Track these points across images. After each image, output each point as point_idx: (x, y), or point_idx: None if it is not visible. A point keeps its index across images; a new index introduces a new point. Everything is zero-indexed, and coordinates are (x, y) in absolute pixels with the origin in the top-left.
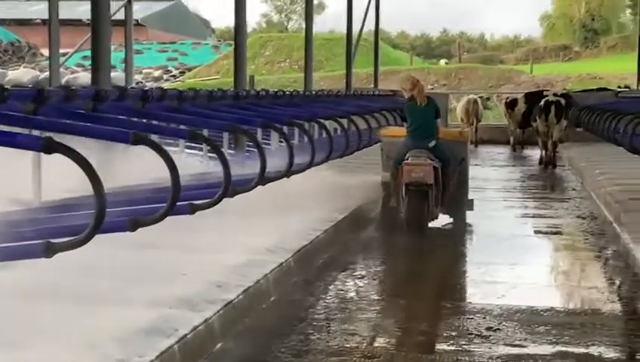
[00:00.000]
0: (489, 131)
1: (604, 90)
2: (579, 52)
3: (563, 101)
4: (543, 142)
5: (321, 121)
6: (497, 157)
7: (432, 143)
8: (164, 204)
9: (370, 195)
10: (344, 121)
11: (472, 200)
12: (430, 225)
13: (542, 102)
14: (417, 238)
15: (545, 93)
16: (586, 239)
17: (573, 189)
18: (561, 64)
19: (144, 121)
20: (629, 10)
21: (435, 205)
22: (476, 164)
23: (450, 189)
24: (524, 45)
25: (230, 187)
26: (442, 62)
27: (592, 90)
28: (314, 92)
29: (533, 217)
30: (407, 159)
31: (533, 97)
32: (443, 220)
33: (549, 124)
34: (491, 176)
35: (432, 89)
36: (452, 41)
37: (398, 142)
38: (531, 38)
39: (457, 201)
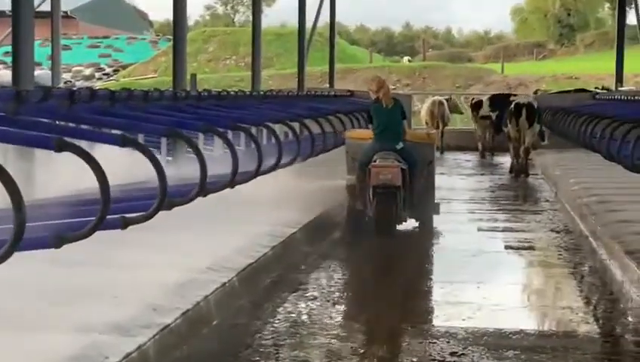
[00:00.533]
0: (457, 136)
1: (580, 91)
2: (553, 50)
3: (535, 103)
4: (514, 148)
5: (270, 125)
6: (465, 164)
7: (400, 145)
8: (93, 218)
9: (329, 203)
10: (296, 125)
11: (438, 203)
12: (398, 227)
13: (512, 105)
14: (377, 253)
15: (513, 97)
16: (560, 255)
17: (547, 200)
18: (535, 63)
19: (71, 124)
20: (607, 5)
21: (403, 208)
22: (442, 173)
23: (418, 192)
24: (495, 42)
25: (166, 199)
26: (405, 59)
27: (568, 91)
28: (262, 92)
29: (502, 231)
30: (375, 161)
31: (498, 100)
32: (409, 225)
33: (520, 128)
34: (458, 185)
35: (394, 89)
36: (416, 37)
37: (364, 145)
38: (502, 33)
39: (424, 205)
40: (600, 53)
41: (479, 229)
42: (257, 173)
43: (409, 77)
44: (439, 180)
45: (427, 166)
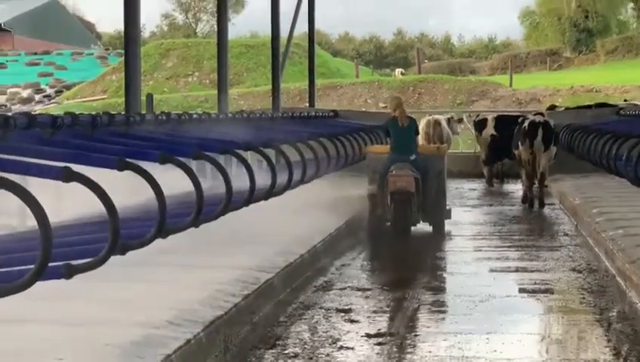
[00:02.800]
0: (459, 161)
1: (602, 106)
2: (570, 58)
3: (552, 122)
4: (527, 174)
5: (240, 152)
6: (469, 194)
7: (413, 157)
8: (32, 266)
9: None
10: (270, 152)
11: (449, 209)
12: (413, 229)
13: (526, 124)
14: (378, 293)
15: (522, 116)
16: (583, 298)
17: (566, 234)
18: (549, 74)
19: (4, 156)
20: (630, 5)
21: (416, 211)
22: None
23: (430, 198)
24: (502, 50)
25: (119, 242)
26: (397, 72)
27: (588, 106)
28: (231, 114)
29: (515, 271)
30: (392, 171)
31: (505, 122)
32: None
33: (536, 150)
34: (462, 219)
35: (385, 107)
36: (409, 46)
37: (382, 158)
38: (510, 40)
39: (436, 210)
40: (624, 61)
41: (490, 270)
42: (226, 208)
43: (402, 93)
44: (433, 233)
45: (438, 175)
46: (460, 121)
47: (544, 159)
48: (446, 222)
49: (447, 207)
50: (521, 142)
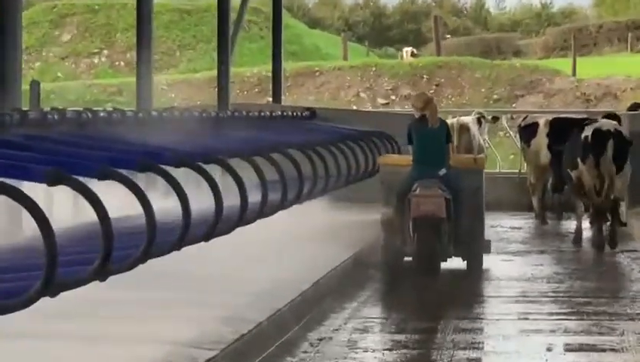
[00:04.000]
0: (496, 186)
1: None
2: None
3: (626, 130)
4: (595, 205)
5: (167, 168)
6: (511, 235)
7: (443, 171)
8: None
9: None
10: (213, 170)
11: (489, 241)
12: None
13: (588, 133)
14: None
15: (589, 120)
16: None
17: None
18: (631, 57)
19: None
20: None
21: (447, 242)
22: None
23: (464, 226)
24: (561, 22)
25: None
26: (406, 53)
27: None
28: (156, 113)
29: (578, 351)
30: (415, 190)
31: (564, 125)
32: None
33: (604, 171)
34: (501, 272)
35: (386, 104)
36: (424, 14)
37: (402, 171)
38: (574, 7)
39: (472, 240)
40: None
41: (542, 348)
42: (149, 249)
43: (412, 82)
44: (468, 271)
45: (474, 196)
46: (496, 120)
47: (617, 184)
48: (480, 278)
49: (487, 238)
50: (581, 160)
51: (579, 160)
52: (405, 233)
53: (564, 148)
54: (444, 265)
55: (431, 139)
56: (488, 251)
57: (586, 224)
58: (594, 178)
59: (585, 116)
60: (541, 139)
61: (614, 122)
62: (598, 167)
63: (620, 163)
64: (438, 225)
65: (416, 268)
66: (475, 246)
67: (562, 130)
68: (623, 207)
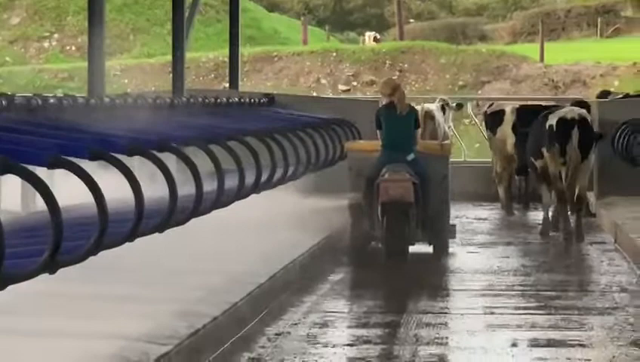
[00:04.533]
0: (462, 176)
1: None
2: (632, 19)
3: (589, 118)
4: (559, 195)
5: (120, 157)
6: (477, 227)
7: (411, 157)
8: None
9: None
10: (167, 158)
11: (454, 225)
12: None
13: (553, 121)
14: None
15: (555, 107)
16: None
17: (624, 290)
18: (600, 42)
19: None
20: None
21: (415, 226)
22: None
23: (431, 211)
24: (528, 6)
25: None
26: (368, 37)
27: None
28: (109, 99)
29: (546, 346)
30: (384, 175)
31: (531, 113)
32: None
33: (569, 160)
34: (466, 265)
35: (347, 90)
36: None
37: (370, 157)
38: None
39: (438, 226)
40: None
41: (507, 344)
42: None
43: (374, 68)
44: (434, 256)
45: (442, 181)
46: (460, 107)
47: (582, 173)
48: (445, 271)
49: (452, 223)
50: (546, 149)
51: (544, 149)
52: (374, 218)
53: (528, 137)
54: (412, 249)
55: (399, 125)
56: (453, 236)
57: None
58: (559, 166)
59: (553, 103)
60: (507, 128)
61: (579, 109)
62: (564, 156)
63: (584, 151)
64: (406, 210)
65: (385, 252)
66: (441, 231)
67: (529, 118)
68: (592, 198)
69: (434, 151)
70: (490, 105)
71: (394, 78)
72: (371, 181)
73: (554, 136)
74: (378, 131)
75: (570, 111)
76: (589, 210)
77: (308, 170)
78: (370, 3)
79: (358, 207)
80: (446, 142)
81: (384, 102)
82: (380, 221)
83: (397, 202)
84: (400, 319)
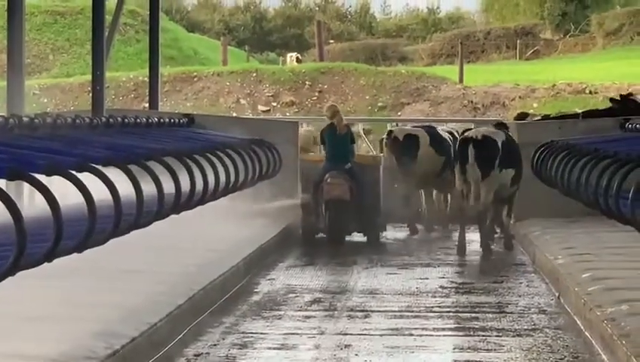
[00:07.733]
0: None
1: (596, 114)
2: (551, 42)
3: (500, 138)
4: (462, 210)
5: (39, 177)
6: (397, 248)
7: (348, 166)
8: None
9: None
10: (86, 179)
11: (384, 221)
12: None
13: (459, 140)
14: None
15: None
16: None
17: (542, 311)
18: (519, 64)
19: None
20: None
21: (352, 220)
22: (357, 265)
23: (365, 208)
24: (448, 28)
25: None
26: (290, 58)
27: (576, 115)
28: (27, 118)
29: None
30: (327, 179)
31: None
32: None
33: (469, 177)
34: (384, 286)
35: (267, 111)
36: (307, 18)
37: (317, 166)
38: (461, 13)
39: (370, 220)
40: (631, 46)
41: None
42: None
43: (294, 89)
44: (351, 280)
45: (374, 186)
46: (369, 133)
47: (484, 190)
48: (365, 290)
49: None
50: (455, 168)
51: (456, 168)
52: (319, 213)
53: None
54: (347, 238)
55: (339, 141)
56: (384, 229)
57: (472, 235)
58: (461, 184)
59: (467, 126)
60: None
61: (488, 130)
62: (464, 173)
63: (485, 169)
64: (344, 206)
65: (328, 240)
66: (372, 226)
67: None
68: (512, 219)
69: (368, 162)
70: (390, 131)
71: (334, 104)
72: (317, 184)
73: (456, 155)
74: (322, 146)
75: (475, 132)
76: (508, 232)
77: (227, 191)
78: (290, 24)
79: (308, 205)
80: (379, 154)
81: (328, 123)
82: (324, 216)
83: (337, 200)
84: (318, 341)
